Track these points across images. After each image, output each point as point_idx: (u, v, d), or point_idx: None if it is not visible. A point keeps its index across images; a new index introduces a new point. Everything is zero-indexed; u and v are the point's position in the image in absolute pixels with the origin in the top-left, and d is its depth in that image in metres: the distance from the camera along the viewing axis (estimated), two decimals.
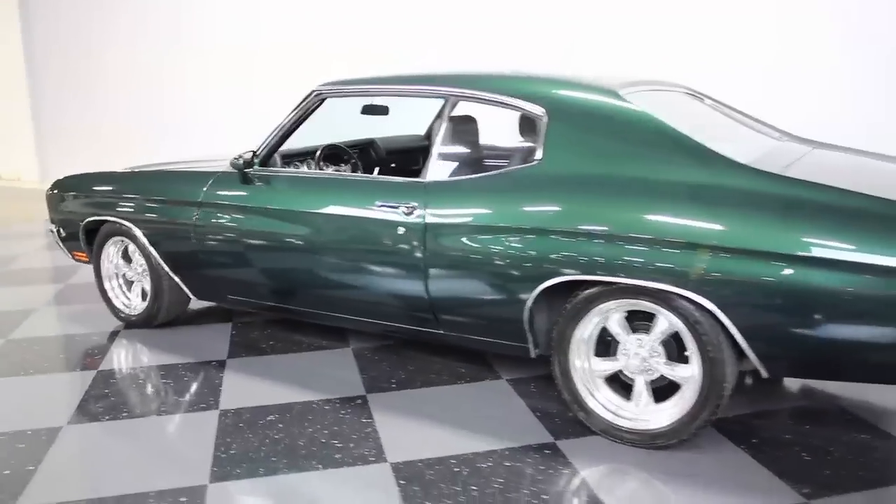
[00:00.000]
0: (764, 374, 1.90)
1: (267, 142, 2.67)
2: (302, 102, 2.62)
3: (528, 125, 2.61)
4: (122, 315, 3.21)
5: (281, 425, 2.23)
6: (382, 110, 2.75)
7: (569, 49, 4.74)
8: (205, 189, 2.77)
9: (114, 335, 3.13)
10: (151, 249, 2.94)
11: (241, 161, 2.63)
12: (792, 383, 2.50)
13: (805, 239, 1.73)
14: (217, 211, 2.70)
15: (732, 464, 1.96)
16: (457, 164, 2.42)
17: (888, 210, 1.73)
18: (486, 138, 3.15)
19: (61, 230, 3.33)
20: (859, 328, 1.72)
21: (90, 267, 3.29)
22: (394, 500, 1.81)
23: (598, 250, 1.92)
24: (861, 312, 1.70)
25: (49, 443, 2.16)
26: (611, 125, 2.07)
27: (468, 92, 2.33)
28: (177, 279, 2.96)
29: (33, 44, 7.85)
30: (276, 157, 2.77)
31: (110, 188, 3.11)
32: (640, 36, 4.53)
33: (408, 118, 3.54)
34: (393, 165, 3.41)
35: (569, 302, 2.04)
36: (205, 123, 6.50)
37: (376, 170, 3.29)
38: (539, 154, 2.11)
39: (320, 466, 1.99)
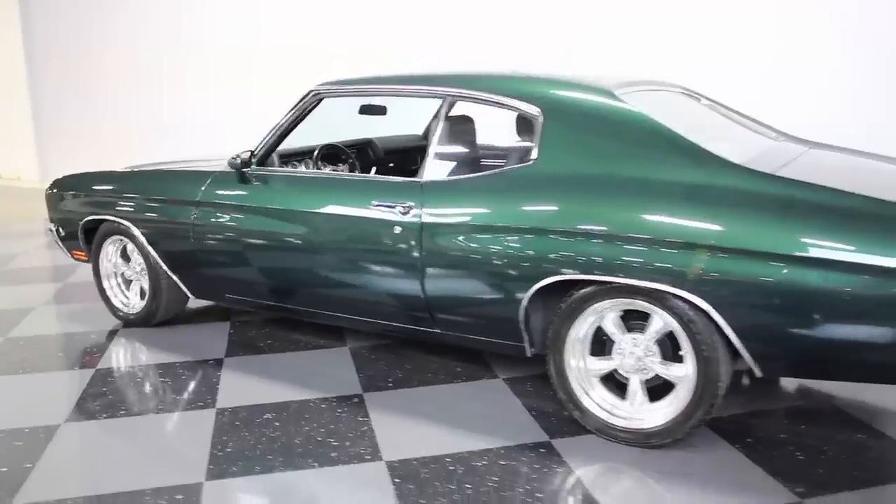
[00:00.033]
0: (758, 373, 1.91)
1: (264, 141, 2.68)
2: (299, 102, 2.63)
3: (525, 125, 2.61)
4: (121, 314, 3.22)
5: (277, 424, 2.24)
6: (380, 110, 2.76)
7: (569, 50, 4.75)
8: (203, 188, 2.78)
9: (112, 334, 3.14)
10: (150, 248, 2.95)
11: (238, 161, 2.64)
12: (788, 383, 2.50)
13: (800, 239, 1.74)
14: (215, 210, 2.71)
15: (727, 463, 1.97)
16: (453, 163, 2.43)
17: (884, 210, 1.74)
18: (485, 138, 3.16)
19: (60, 229, 3.34)
20: (853, 328, 1.73)
21: (89, 266, 3.30)
22: (388, 499, 1.82)
23: (593, 250, 1.93)
24: (855, 312, 1.71)
25: (47, 440, 2.17)
26: (606, 125, 2.07)
27: (465, 92, 2.34)
28: (175, 278, 2.97)
29: (33, 44, 7.87)
30: (274, 156, 2.78)
31: (109, 187, 3.12)
32: (640, 37, 4.54)
33: (407, 118, 3.55)
34: (391, 165, 3.42)
35: (564, 301, 2.05)
36: (205, 123, 6.52)
37: (373, 169, 3.30)
38: (535, 154, 2.12)
39: (316, 464, 1.99)
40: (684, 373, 1.95)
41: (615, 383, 2.11)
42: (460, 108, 2.71)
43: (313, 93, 2.61)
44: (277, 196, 2.58)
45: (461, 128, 2.53)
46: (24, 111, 7.95)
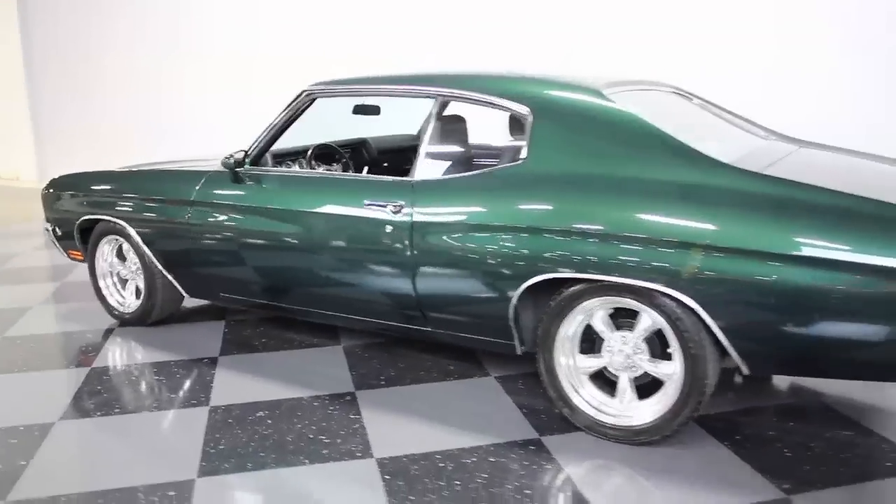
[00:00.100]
0: (745, 370, 1.92)
1: (258, 141, 2.69)
2: (292, 102, 2.65)
3: (516, 125, 2.63)
4: (117, 313, 3.24)
5: (270, 421, 2.25)
6: (374, 110, 2.77)
7: (568, 53, 4.77)
8: (197, 188, 2.80)
9: (108, 333, 3.16)
10: (145, 248, 2.97)
11: (231, 160, 2.66)
12: (779, 381, 2.52)
13: (786, 238, 1.75)
14: (209, 210, 2.73)
15: (714, 459, 1.98)
16: (445, 163, 2.45)
17: (873, 209, 1.75)
18: (482, 138, 3.18)
19: (57, 229, 3.36)
20: (839, 326, 1.74)
21: (86, 265, 3.32)
22: (378, 495, 1.84)
23: (582, 248, 1.95)
24: (842, 311, 1.72)
25: (41, 438, 2.19)
26: (594, 124, 2.09)
27: (456, 92, 2.35)
28: (170, 277, 2.99)
29: (32, 48, 7.90)
30: (268, 156, 2.80)
31: (104, 187, 3.14)
32: (640, 39, 4.56)
33: (405, 117, 3.57)
34: (385, 165, 3.43)
35: (553, 299, 2.06)
36: (203, 127, 6.54)
37: (365, 169, 3.31)
38: (524, 153, 2.14)
39: (307, 461, 2.01)
40: (672, 370, 1.97)
41: (605, 381, 2.13)
42: (454, 109, 2.74)
43: (306, 93, 2.63)
44: (270, 195, 2.60)
45: (453, 127, 2.55)
46: (23, 112, 7.98)
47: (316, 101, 2.65)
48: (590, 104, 2.13)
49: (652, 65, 4.34)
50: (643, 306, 1.95)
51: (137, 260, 3.06)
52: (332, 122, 3.19)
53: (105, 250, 3.21)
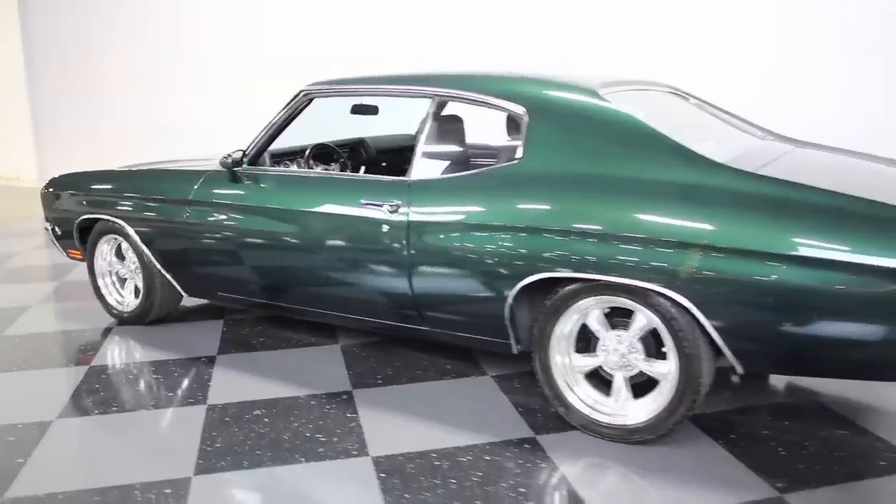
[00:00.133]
0: (739, 369, 1.93)
1: (256, 141, 2.70)
2: (290, 102, 2.66)
3: (513, 125, 2.64)
4: (116, 312, 3.25)
5: (267, 420, 2.26)
6: (372, 110, 2.78)
7: (568, 54, 4.77)
8: (195, 187, 2.81)
9: (107, 332, 3.17)
10: (143, 247, 2.98)
11: (229, 160, 2.67)
12: (775, 381, 2.52)
13: (780, 237, 1.75)
14: (207, 209, 2.74)
15: (709, 458, 1.99)
16: (441, 162, 2.46)
17: (866, 209, 1.75)
18: (481, 138, 3.19)
19: (56, 228, 3.37)
20: (833, 325, 1.75)
21: (85, 265, 3.33)
22: (374, 493, 1.85)
23: (576, 248, 1.95)
24: (835, 310, 1.72)
25: (39, 436, 2.20)
26: (588, 124, 2.10)
27: (452, 92, 2.36)
28: (168, 276, 3.00)
29: (32, 48, 7.92)
30: (266, 156, 2.81)
31: (103, 187, 3.15)
32: (640, 40, 4.56)
33: (405, 117, 3.57)
34: (384, 165, 3.44)
35: (548, 299, 2.07)
36: (203, 127, 6.55)
37: (362, 168, 3.32)
38: (519, 153, 2.15)
39: (303, 459, 2.02)
40: (667, 369, 1.98)
41: (600, 380, 2.14)
42: (452, 109, 2.75)
43: (304, 93, 2.64)
44: (268, 195, 2.61)
45: (449, 127, 2.56)
46: (24, 112, 8.00)
47: (314, 101, 2.66)
48: (585, 104, 2.13)
49: (652, 65, 4.34)
50: (638, 306, 1.96)
51: (136, 259, 3.07)
52: (333, 122, 3.20)
53: (104, 249, 3.22)
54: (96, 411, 2.38)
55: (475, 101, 2.30)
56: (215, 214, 2.72)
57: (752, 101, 4.03)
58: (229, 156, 2.67)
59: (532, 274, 2.03)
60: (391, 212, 2.28)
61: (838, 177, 2.20)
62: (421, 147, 2.37)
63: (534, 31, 4.96)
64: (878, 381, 2.05)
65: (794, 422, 2.20)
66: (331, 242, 2.45)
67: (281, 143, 2.89)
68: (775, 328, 1.79)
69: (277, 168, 2.82)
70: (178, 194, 2.84)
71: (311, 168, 3.01)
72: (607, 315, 2.07)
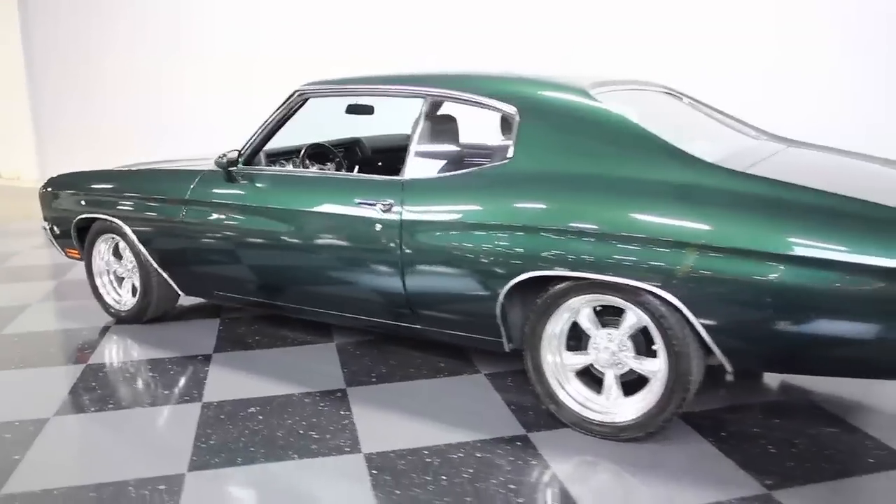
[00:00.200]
0: (728, 367, 1.94)
1: (251, 141, 2.72)
2: (285, 102, 2.67)
3: (507, 124, 2.65)
4: (113, 311, 3.27)
5: (261, 417, 2.28)
6: (367, 110, 2.80)
7: (568, 54, 4.78)
8: (191, 187, 2.83)
9: (105, 330, 3.19)
10: (140, 246, 3.00)
11: (225, 160, 2.69)
12: (768, 379, 2.53)
13: (769, 236, 1.77)
14: (202, 209, 2.76)
15: (699, 456, 2.00)
16: (435, 162, 2.47)
17: (856, 209, 1.76)
18: (479, 138, 3.20)
19: (54, 227, 3.40)
20: (821, 324, 1.76)
21: (83, 264, 3.35)
22: (365, 489, 1.86)
23: (566, 246, 1.97)
24: (823, 308, 1.74)
25: (36, 433, 2.22)
26: (579, 124, 2.11)
27: (445, 92, 2.38)
28: (165, 275, 3.02)
29: (33, 49, 7.95)
30: (261, 155, 2.83)
31: (101, 186, 3.17)
32: (640, 40, 4.57)
33: (403, 117, 3.58)
34: (379, 164, 3.46)
35: (539, 297, 2.09)
36: (203, 128, 6.57)
37: (356, 168, 3.34)
38: (510, 152, 2.16)
39: (296, 456, 2.04)
40: (657, 367, 1.99)
41: (591, 378, 2.15)
42: (447, 109, 2.76)
43: (298, 93, 2.66)
44: (263, 194, 2.63)
45: (443, 127, 2.57)
46: (24, 113, 8.03)
47: (309, 102, 2.68)
48: (575, 104, 2.15)
49: (652, 65, 4.35)
50: (628, 304, 1.97)
51: (133, 258, 3.09)
52: (332, 122, 3.21)
53: (101, 249, 3.24)
54: (93, 409, 2.40)
55: (467, 101, 2.32)
56: (211, 214, 2.74)
57: (751, 101, 4.04)
58: (224, 155, 2.69)
59: (522, 272, 2.05)
60: (384, 211, 2.30)
61: (830, 176, 2.21)
62: (414, 147, 2.38)
63: (534, 31, 4.97)
64: (865, 378, 2.05)
65: (784, 420, 2.21)
66: (325, 241, 2.46)
67: (278, 143, 2.91)
68: (763, 326, 1.80)
69: (272, 168, 2.84)
70: (175, 194, 2.86)
71: (307, 168, 3.02)
72: (598, 313, 2.08)
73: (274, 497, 1.86)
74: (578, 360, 2.13)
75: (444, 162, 2.51)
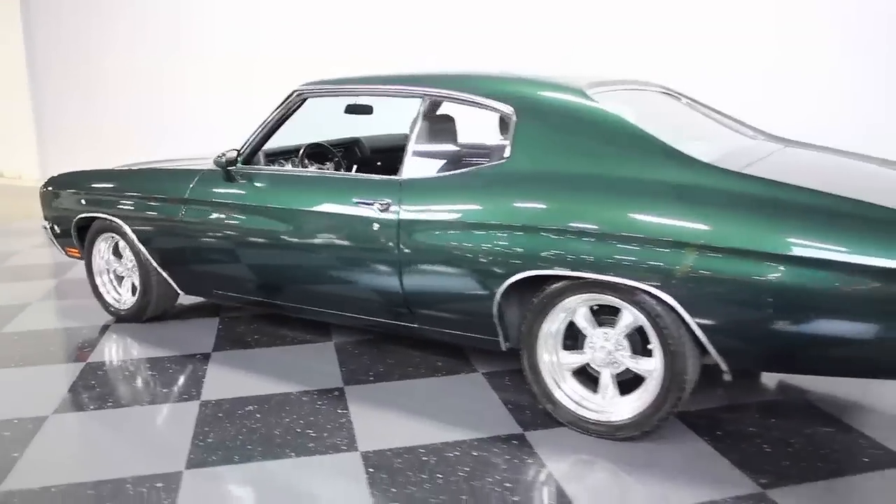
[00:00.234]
0: (723, 367, 1.94)
1: (249, 141, 2.73)
2: (283, 102, 2.68)
3: (505, 124, 2.66)
4: (113, 309, 3.28)
5: (259, 415, 2.29)
6: (366, 110, 2.81)
7: (568, 54, 4.79)
8: (190, 186, 2.84)
9: (104, 329, 3.20)
10: (140, 245, 3.01)
11: (223, 159, 2.70)
12: (766, 379, 2.54)
13: (763, 235, 1.77)
14: (201, 208, 2.77)
15: (695, 455, 2.01)
16: (432, 161, 2.48)
17: (851, 209, 1.76)
18: (478, 137, 3.21)
19: (55, 227, 3.41)
20: (816, 323, 1.76)
21: (83, 263, 3.36)
22: (361, 487, 1.87)
23: (561, 245, 1.98)
24: (819, 308, 1.74)
25: (35, 431, 2.23)
26: (574, 124, 2.12)
27: (443, 92, 2.39)
28: (164, 274, 3.03)
29: (35, 49, 7.97)
30: (260, 155, 2.84)
31: (100, 186, 3.18)
32: (640, 40, 4.58)
33: (402, 117, 3.59)
34: (379, 164, 3.46)
35: (536, 297, 2.09)
36: (204, 128, 6.58)
37: (354, 167, 3.35)
38: (507, 152, 2.17)
39: (293, 454, 2.05)
40: (653, 366, 2.00)
41: (588, 377, 2.16)
42: (445, 108, 2.77)
43: (297, 93, 2.67)
44: (261, 194, 2.64)
45: (440, 127, 2.58)
46: (26, 112, 8.06)
47: (307, 101, 2.68)
48: (571, 104, 2.16)
49: (652, 65, 4.35)
50: (624, 303, 1.98)
51: (133, 257, 3.10)
52: (331, 122, 3.22)
53: (101, 248, 3.25)
54: (92, 407, 2.41)
55: (465, 100, 2.32)
56: (210, 213, 2.75)
57: (751, 102, 4.05)
58: (223, 155, 2.70)
59: (519, 272, 2.06)
60: (382, 210, 2.31)
61: (825, 176, 2.21)
62: (412, 146, 2.39)
63: (534, 31, 4.97)
64: (858, 377, 2.05)
65: (780, 419, 2.21)
66: (324, 241, 2.47)
67: (278, 143, 2.92)
68: (759, 326, 1.81)
69: (271, 167, 2.85)
70: (174, 193, 2.87)
71: (306, 167, 3.03)
72: (595, 313, 2.09)
73: (270, 495, 1.87)
74: (575, 359, 2.14)
75: (441, 162, 2.52)
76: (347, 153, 3.39)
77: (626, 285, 1.92)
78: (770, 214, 1.80)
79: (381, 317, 2.48)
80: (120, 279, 3.28)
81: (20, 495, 1.88)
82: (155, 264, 3.02)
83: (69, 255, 3.47)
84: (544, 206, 2.03)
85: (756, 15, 4.26)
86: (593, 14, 4.77)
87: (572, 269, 1.97)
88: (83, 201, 3.21)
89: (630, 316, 2.00)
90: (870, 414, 2.27)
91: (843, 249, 1.69)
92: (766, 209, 1.81)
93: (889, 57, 3.92)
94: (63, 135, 7.94)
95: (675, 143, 2.01)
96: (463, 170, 2.27)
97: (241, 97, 6.30)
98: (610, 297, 1.99)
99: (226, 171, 2.73)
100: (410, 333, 2.49)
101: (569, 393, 2.14)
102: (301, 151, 3.07)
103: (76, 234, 3.29)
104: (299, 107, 2.68)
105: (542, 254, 2.00)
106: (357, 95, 2.64)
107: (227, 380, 2.59)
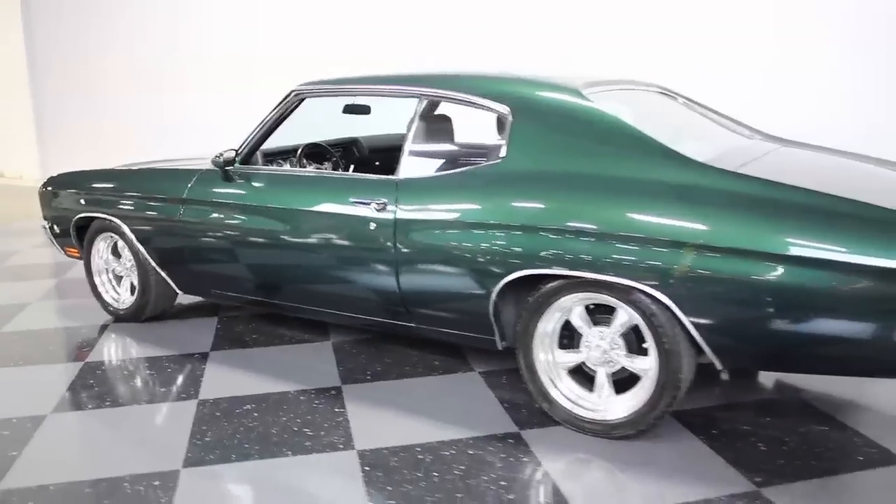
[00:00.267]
0: (718, 365, 1.95)
1: (247, 141, 2.74)
2: (281, 102, 2.69)
3: (502, 124, 2.66)
4: (112, 309, 3.29)
5: (256, 414, 2.30)
6: (364, 110, 2.82)
7: (568, 54, 4.79)
8: (189, 186, 2.85)
9: (103, 328, 3.21)
10: (139, 245, 3.02)
11: (221, 159, 2.70)
12: (762, 378, 2.54)
13: (758, 235, 1.78)
14: (199, 208, 2.78)
15: (689, 454, 2.02)
16: (429, 161, 2.49)
17: (847, 208, 1.77)
18: (478, 137, 3.21)
19: (54, 226, 3.42)
20: (811, 323, 1.77)
21: (82, 262, 3.37)
22: (357, 485, 1.88)
23: (556, 245, 1.98)
24: (815, 308, 1.75)
25: (33, 430, 2.24)
26: (570, 123, 2.12)
27: (440, 92, 2.39)
28: (163, 274, 3.04)
29: (35, 49, 7.99)
30: (258, 155, 2.84)
31: (99, 185, 3.20)
32: (640, 40, 4.58)
33: (402, 117, 3.59)
34: (377, 164, 3.47)
35: (531, 296, 2.10)
36: (204, 127, 6.59)
37: (352, 167, 3.36)
38: (503, 152, 2.18)
39: (290, 453, 2.06)
40: (648, 365, 2.00)
41: (584, 376, 2.17)
42: (443, 109, 2.78)
43: (294, 93, 2.67)
44: (259, 194, 2.65)
45: (437, 127, 2.59)
46: (26, 112, 8.08)
47: (305, 101, 2.69)
48: (567, 103, 2.16)
49: (652, 65, 4.36)
50: (619, 302, 1.99)
51: (132, 257, 3.11)
52: (329, 122, 3.23)
53: (100, 247, 3.26)
54: (90, 406, 2.42)
55: (461, 101, 2.33)
56: (208, 213, 2.76)
57: (751, 102, 4.05)
58: (221, 155, 2.71)
59: (515, 271, 2.06)
60: (378, 210, 2.32)
61: (822, 176, 2.22)
62: (408, 146, 2.40)
63: (533, 31, 4.98)
64: (852, 376, 2.05)
65: (775, 418, 2.22)
66: (321, 240, 2.48)
67: (276, 143, 2.93)
68: (754, 325, 1.82)
69: (268, 167, 2.86)
70: (172, 193, 2.88)
71: (304, 167, 3.04)
72: (590, 312, 2.10)
73: (267, 493, 1.87)
74: (570, 358, 2.14)
75: (438, 161, 2.53)
76: (345, 153, 3.40)
77: (623, 285, 1.93)
78: (767, 214, 1.80)
79: (379, 316, 2.49)
80: (119, 279, 3.29)
81: (18, 494, 1.89)
82: (153, 264, 3.03)
83: (68, 255, 3.48)
84: (540, 206, 2.03)
85: (756, 15, 4.26)
86: (592, 14, 4.77)
87: (569, 269, 1.98)
88: (82, 201, 3.22)
89: (625, 315, 2.01)
90: (864, 412, 2.28)
91: (841, 249, 1.70)
92: (763, 209, 1.81)
93: (889, 57, 3.92)
94: (63, 135, 7.96)
95: (671, 143, 2.02)
96: (459, 169, 2.27)
97: (240, 97, 6.31)
98: (606, 296, 2.00)
99: (224, 170, 2.73)
100: (408, 332, 2.50)
101: (565, 392, 2.15)
102: (299, 151, 3.08)
103: (75, 233, 3.30)
104: (297, 107, 2.69)
105: (539, 253, 2.01)
106: (355, 95, 2.64)
107: (225, 379, 2.60)
